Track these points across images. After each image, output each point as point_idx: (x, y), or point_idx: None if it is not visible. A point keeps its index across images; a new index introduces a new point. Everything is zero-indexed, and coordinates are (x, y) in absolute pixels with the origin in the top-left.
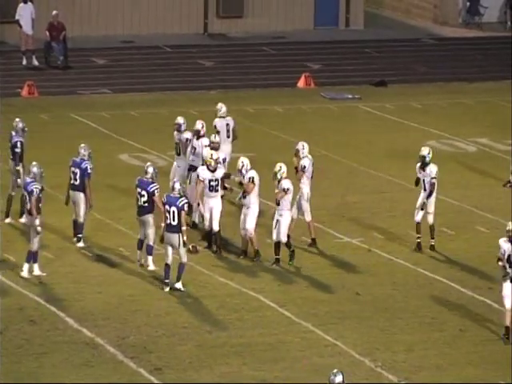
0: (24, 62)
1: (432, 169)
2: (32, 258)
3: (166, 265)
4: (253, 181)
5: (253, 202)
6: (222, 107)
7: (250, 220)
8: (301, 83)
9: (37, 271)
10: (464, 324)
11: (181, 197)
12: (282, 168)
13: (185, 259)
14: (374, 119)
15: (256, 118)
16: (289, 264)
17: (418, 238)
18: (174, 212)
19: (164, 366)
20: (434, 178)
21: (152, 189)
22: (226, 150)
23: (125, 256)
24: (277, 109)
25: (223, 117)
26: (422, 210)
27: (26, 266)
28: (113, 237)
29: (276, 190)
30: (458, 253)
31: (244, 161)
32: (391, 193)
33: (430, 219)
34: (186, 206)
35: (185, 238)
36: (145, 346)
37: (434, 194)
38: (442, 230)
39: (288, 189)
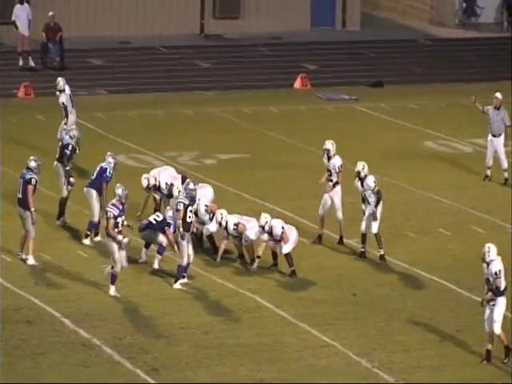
0: (20, 62)
1: (369, 182)
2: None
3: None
4: (238, 225)
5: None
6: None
7: (250, 232)
8: (297, 84)
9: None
10: (461, 324)
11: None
12: (266, 218)
13: (183, 261)
14: (370, 120)
15: (252, 119)
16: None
17: (363, 247)
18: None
19: (161, 367)
20: (375, 188)
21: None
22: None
23: None
24: (273, 110)
25: (63, 90)
26: (375, 220)
27: (112, 288)
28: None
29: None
30: (454, 253)
31: (222, 212)
32: (388, 194)
33: (375, 228)
34: (180, 205)
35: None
36: (141, 346)
37: (381, 203)
38: (439, 231)
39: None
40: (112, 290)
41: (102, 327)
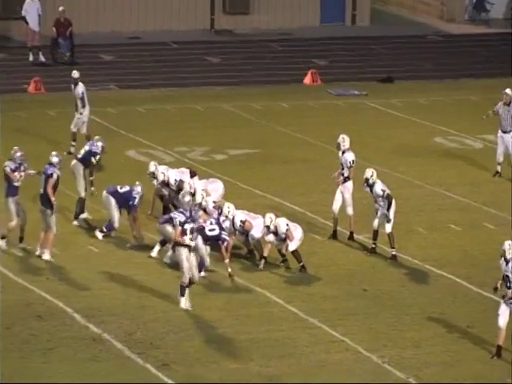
0: (31, 58)
1: (377, 191)
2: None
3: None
4: (245, 223)
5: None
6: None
7: (256, 230)
8: (307, 80)
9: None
10: (471, 320)
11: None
12: (271, 218)
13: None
14: (380, 115)
15: (262, 115)
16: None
17: (374, 243)
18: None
19: (171, 362)
20: (384, 193)
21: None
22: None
23: (132, 252)
24: (283, 105)
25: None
26: (388, 222)
27: (182, 300)
28: (121, 233)
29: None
30: (465, 249)
31: (230, 206)
32: (398, 189)
33: (389, 228)
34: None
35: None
36: (152, 341)
37: (394, 204)
38: (450, 227)
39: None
40: (182, 303)
41: (112, 322)
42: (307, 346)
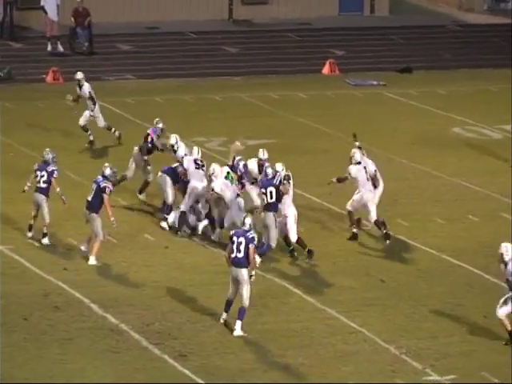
0: (49, 48)
1: (370, 166)
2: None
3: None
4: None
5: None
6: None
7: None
8: (325, 70)
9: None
10: (488, 311)
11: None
12: (283, 170)
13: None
14: (398, 106)
15: (280, 105)
16: (306, 262)
17: (386, 231)
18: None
19: (188, 353)
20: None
21: None
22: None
23: (150, 242)
24: (301, 95)
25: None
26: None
27: (238, 324)
28: (138, 223)
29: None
30: (482, 240)
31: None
32: (415, 180)
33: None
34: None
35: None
36: (169, 332)
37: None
38: (467, 217)
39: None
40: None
41: (130, 313)
42: (325, 337)
